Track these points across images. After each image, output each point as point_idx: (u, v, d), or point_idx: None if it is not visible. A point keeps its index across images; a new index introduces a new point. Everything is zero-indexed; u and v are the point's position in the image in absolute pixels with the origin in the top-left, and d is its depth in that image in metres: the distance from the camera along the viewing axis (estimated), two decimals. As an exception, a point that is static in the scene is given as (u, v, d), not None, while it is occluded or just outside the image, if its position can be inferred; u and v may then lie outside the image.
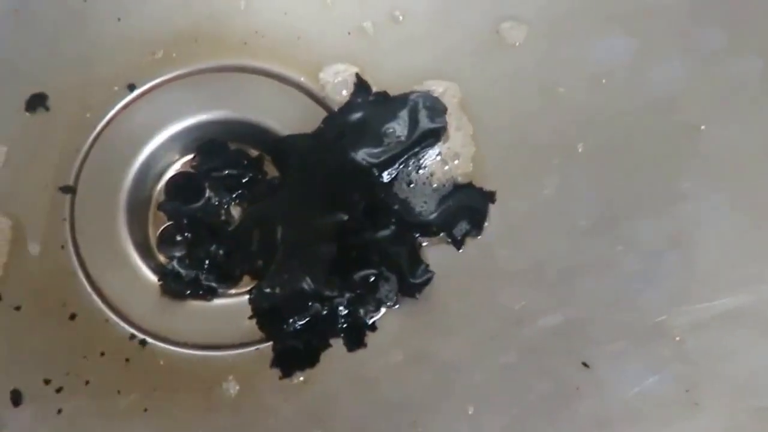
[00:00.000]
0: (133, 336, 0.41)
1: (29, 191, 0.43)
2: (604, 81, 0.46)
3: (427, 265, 0.41)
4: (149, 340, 0.41)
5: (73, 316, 0.41)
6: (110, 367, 0.40)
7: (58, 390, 0.40)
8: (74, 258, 0.42)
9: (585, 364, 0.40)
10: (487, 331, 0.41)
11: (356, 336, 0.41)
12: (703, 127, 0.45)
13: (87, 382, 0.41)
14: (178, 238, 0.44)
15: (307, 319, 0.41)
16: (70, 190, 0.43)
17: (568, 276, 0.41)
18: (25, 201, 0.43)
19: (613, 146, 0.45)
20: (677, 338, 0.42)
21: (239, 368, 0.40)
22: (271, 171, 0.45)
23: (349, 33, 0.45)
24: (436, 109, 0.44)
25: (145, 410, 0.40)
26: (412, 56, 0.45)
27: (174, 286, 0.42)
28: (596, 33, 0.46)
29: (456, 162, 0.44)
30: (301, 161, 0.44)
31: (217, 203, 0.44)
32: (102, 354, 0.42)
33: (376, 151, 0.43)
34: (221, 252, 0.43)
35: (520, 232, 0.42)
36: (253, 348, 0.40)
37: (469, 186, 0.43)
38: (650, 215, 0.44)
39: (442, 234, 0.42)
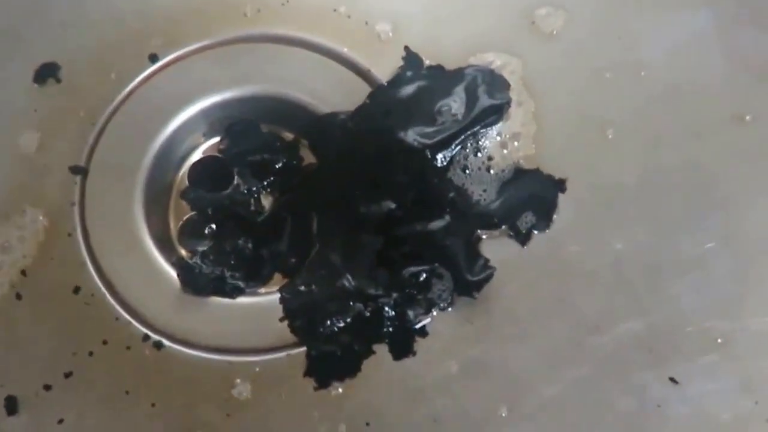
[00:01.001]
0: (147, 337, 0.36)
1: (35, 171, 0.38)
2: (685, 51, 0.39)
3: (487, 260, 0.36)
4: (165, 341, 0.36)
5: (79, 312, 0.36)
6: (119, 370, 0.35)
7: (58, 396, 0.34)
8: (83, 247, 0.37)
9: (673, 380, 0.35)
10: (557, 338, 0.35)
11: (404, 342, 0.35)
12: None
13: (91, 387, 0.35)
14: (202, 229, 0.39)
15: (347, 321, 0.36)
16: (81, 171, 0.39)
17: (652, 276, 0.36)
18: (30, 182, 0.38)
19: (702, 128, 0.39)
20: None
21: (267, 376, 0.35)
22: (308, 157, 0.40)
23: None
24: (498, 83, 0.39)
25: (157, 420, 0.34)
26: (468, 27, 0.40)
27: (195, 283, 0.37)
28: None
29: (517, 144, 0.39)
30: (342, 142, 0.39)
31: (246, 191, 0.40)
32: (110, 356, 0.36)
33: (428, 130, 0.38)
34: (249, 246, 0.38)
35: (594, 226, 0.37)
36: (283, 353, 0.35)
37: (535, 172, 0.38)
38: (751, 204, 0.37)
39: (504, 227, 0.37)
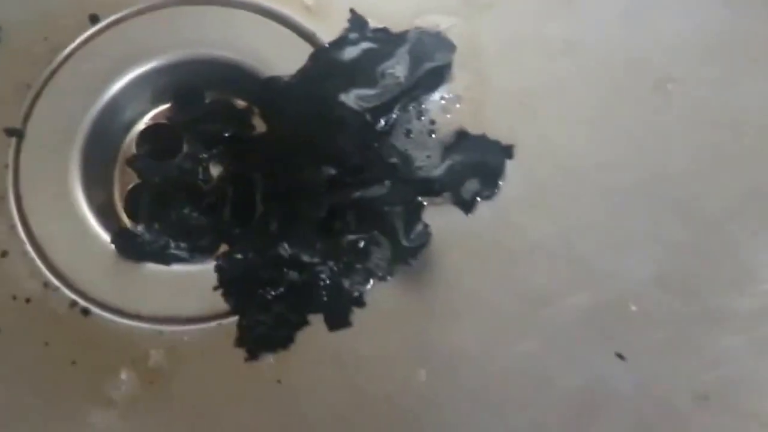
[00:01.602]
0: (74, 303, 0.34)
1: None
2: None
3: (426, 225, 0.34)
4: (93, 308, 0.34)
5: (5, 276, 0.34)
6: (41, 333, 0.33)
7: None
8: (15, 210, 0.35)
9: (620, 356, 0.33)
10: (502, 312, 0.33)
11: (340, 312, 0.33)
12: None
13: (10, 348, 0.33)
14: (148, 198, 0.38)
15: (282, 290, 0.34)
16: (16, 133, 0.37)
17: (603, 248, 0.34)
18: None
19: (663, 88, 0.36)
20: (738, 328, 0.33)
21: (196, 345, 0.33)
22: (261, 126, 0.38)
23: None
24: (443, 46, 0.37)
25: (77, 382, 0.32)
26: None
27: (135, 251, 0.35)
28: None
29: (461, 107, 0.36)
30: (285, 107, 0.37)
31: (194, 160, 0.38)
32: (34, 321, 0.34)
33: (370, 93, 0.36)
34: (195, 215, 0.36)
35: (543, 194, 0.35)
36: (214, 323, 0.33)
37: (481, 138, 0.36)
38: (706, 175, 0.35)
39: (447, 194, 0.35)
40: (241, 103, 0.38)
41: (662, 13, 0.38)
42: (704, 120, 0.36)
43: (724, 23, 0.37)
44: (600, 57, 0.37)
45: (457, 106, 0.36)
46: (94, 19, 0.38)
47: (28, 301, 0.34)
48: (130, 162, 0.38)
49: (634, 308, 0.34)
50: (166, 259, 0.35)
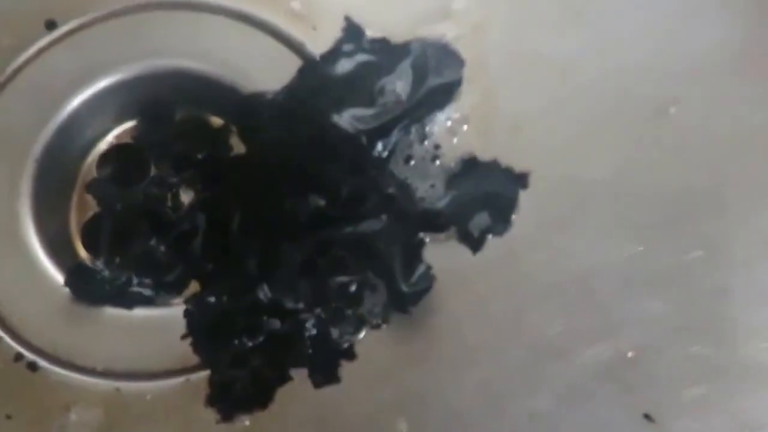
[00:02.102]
0: (20, 356, 0.30)
1: None
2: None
3: (429, 267, 0.31)
4: (41, 362, 0.30)
5: None
6: None
7: None
8: None
9: (648, 417, 0.30)
10: (512, 366, 0.30)
11: (327, 367, 0.31)
12: None
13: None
14: (109, 229, 0.34)
15: (260, 340, 0.31)
16: None
17: (626, 292, 0.31)
18: None
19: (697, 118, 0.33)
20: None
21: (160, 405, 0.30)
22: (238, 147, 0.35)
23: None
24: (450, 59, 0.33)
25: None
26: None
27: (93, 291, 0.32)
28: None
29: (469, 130, 0.33)
30: (268, 128, 0.34)
31: (162, 186, 0.35)
32: None
33: (367, 113, 0.33)
34: (163, 249, 0.33)
35: (559, 230, 0.32)
36: (182, 378, 0.30)
37: (492, 165, 0.32)
38: (742, 211, 0.32)
39: (452, 229, 0.32)
40: (216, 121, 0.35)
41: (679, 27, 0.34)
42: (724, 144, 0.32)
43: (734, 42, 0.33)
44: (616, 73, 0.33)
45: (465, 128, 0.33)
46: (50, 26, 0.34)
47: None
48: (89, 187, 0.35)
49: (661, 361, 0.31)
50: (127, 300, 0.32)
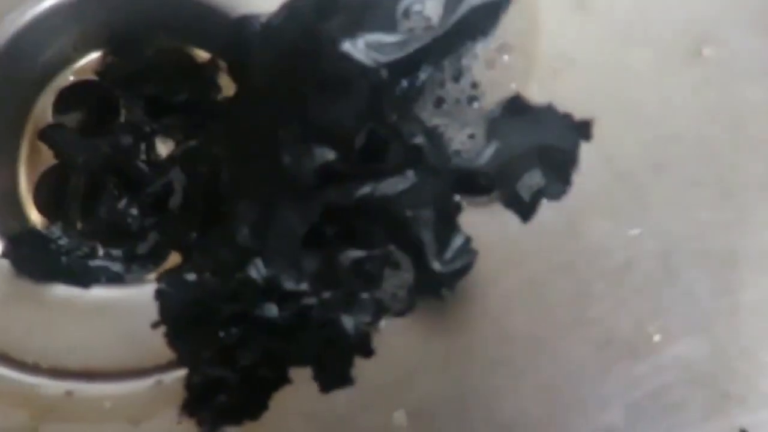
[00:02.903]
0: None
1: None
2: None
3: (468, 239, 0.26)
4: None
5: None
6: None
7: None
8: None
9: None
10: (576, 368, 0.26)
11: (337, 365, 0.26)
12: None
13: None
14: (69, 186, 0.31)
15: (252, 330, 0.26)
16: None
17: (720, 272, 0.26)
18: None
19: None
20: None
21: (124, 414, 0.25)
22: (229, 88, 0.31)
23: None
24: None
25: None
26: None
27: (43, 265, 0.28)
28: None
29: (513, 62, 0.28)
30: (262, 59, 0.28)
31: (135, 134, 0.31)
32: None
33: (387, 41, 0.27)
34: (135, 212, 0.30)
35: (631, 194, 0.27)
36: (152, 379, 0.26)
37: (546, 109, 0.27)
38: None
39: (497, 191, 0.27)
40: (200, 54, 0.32)
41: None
42: None
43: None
44: None
45: (509, 60, 0.28)
46: None
47: None
48: (44, 135, 0.31)
49: (765, 362, 0.26)
50: (86, 276, 0.28)
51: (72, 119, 0.32)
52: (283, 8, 0.28)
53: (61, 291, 0.26)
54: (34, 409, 0.25)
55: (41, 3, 0.29)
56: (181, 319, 0.26)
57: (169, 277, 0.26)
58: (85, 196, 0.31)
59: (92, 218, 0.30)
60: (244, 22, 0.28)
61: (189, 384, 0.25)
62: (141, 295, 0.26)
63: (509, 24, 0.28)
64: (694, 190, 0.27)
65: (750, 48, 0.28)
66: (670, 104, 0.28)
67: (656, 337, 0.26)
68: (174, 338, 0.26)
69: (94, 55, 0.32)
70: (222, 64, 0.31)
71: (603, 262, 0.26)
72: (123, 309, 0.26)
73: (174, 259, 0.29)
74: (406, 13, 0.27)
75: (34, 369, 0.25)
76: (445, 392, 0.25)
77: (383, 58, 0.27)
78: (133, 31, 0.31)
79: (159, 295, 0.26)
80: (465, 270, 0.26)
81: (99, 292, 0.27)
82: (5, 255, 0.27)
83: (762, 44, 0.28)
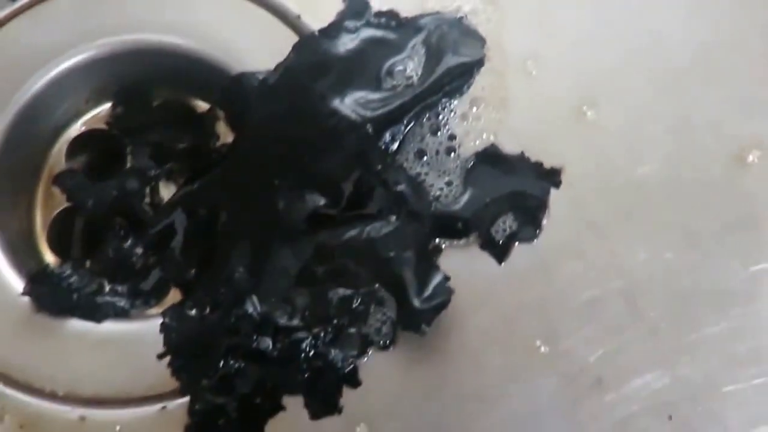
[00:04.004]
0: None
1: None
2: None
3: (446, 278, 0.29)
4: None
5: None
6: None
7: None
8: None
9: None
10: (542, 397, 0.28)
11: (327, 394, 0.28)
12: None
13: None
14: (80, 227, 0.34)
15: (249, 362, 0.28)
16: None
17: (679, 310, 0.28)
18: None
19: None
20: None
21: None
22: (227, 136, 0.33)
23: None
24: (468, 37, 0.31)
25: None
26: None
27: (56, 301, 0.30)
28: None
29: (489, 117, 0.30)
30: (259, 113, 0.31)
31: (140, 179, 0.33)
32: None
33: (373, 98, 0.30)
34: (140, 251, 0.31)
35: (599, 237, 0.29)
36: (157, 406, 0.28)
37: (518, 159, 0.30)
38: None
39: (473, 235, 0.29)
40: (201, 105, 0.34)
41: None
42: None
43: None
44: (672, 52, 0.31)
45: (485, 115, 0.30)
46: None
47: None
48: (57, 180, 0.33)
49: (724, 395, 0.28)
50: (96, 311, 0.30)
51: (83, 165, 0.34)
52: (279, 67, 0.31)
53: (76, 325, 0.29)
54: None
55: (57, 66, 0.32)
56: (183, 350, 0.28)
57: (173, 313, 0.29)
58: (93, 236, 0.33)
59: (100, 257, 0.31)
60: (243, 78, 0.31)
61: (191, 410, 0.27)
62: (147, 329, 0.29)
63: (479, 79, 0.30)
64: (659, 233, 0.29)
65: (708, 99, 0.31)
66: (636, 153, 0.30)
67: (621, 370, 0.28)
68: (177, 368, 0.28)
69: (104, 107, 0.34)
70: (220, 113, 0.33)
71: (571, 300, 0.28)
72: (131, 341, 0.29)
73: (174, 295, 0.31)
74: (390, 72, 0.30)
75: (51, 396, 0.28)
76: (424, 419, 0.27)
77: (368, 113, 0.30)
78: (139, 84, 0.34)
79: (164, 328, 0.28)
80: (442, 306, 0.28)
81: (109, 326, 0.29)
82: (26, 293, 0.29)
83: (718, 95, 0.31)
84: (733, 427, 0.27)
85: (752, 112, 0.30)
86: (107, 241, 0.31)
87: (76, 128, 0.34)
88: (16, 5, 0.32)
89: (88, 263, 0.31)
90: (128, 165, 0.33)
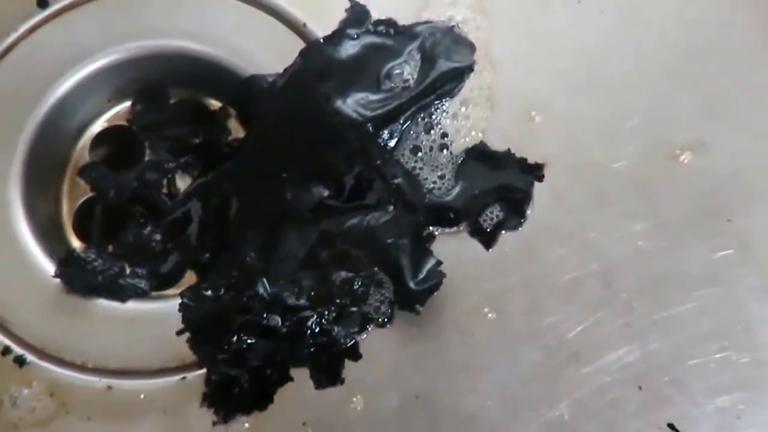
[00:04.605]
0: (8, 349, 0.30)
1: None
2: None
3: (439, 263, 0.31)
4: (30, 357, 0.30)
5: None
6: None
7: None
8: None
9: (673, 428, 0.29)
10: (525, 369, 0.30)
11: (330, 366, 0.30)
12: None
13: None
14: (102, 215, 0.35)
15: (260, 337, 0.31)
16: None
17: (651, 291, 0.31)
18: None
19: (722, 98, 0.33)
20: None
21: (155, 405, 0.30)
22: (237, 131, 0.35)
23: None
24: (459, 44, 0.33)
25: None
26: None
27: (83, 282, 0.32)
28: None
29: (479, 117, 0.33)
30: (268, 112, 0.33)
31: (158, 170, 0.35)
32: None
33: (373, 99, 0.33)
34: (158, 237, 0.33)
35: (578, 225, 0.32)
36: (177, 377, 0.30)
37: (504, 155, 0.32)
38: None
39: (463, 223, 0.32)
40: (214, 103, 0.36)
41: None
42: None
43: None
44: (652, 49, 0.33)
45: (473, 114, 0.33)
46: (42, 4, 0.35)
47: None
48: (82, 171, 0.35)
49: (689, 367, 0.30)
50: (120, 291, 0.32)
51: (105, 158, 0.36)
52: (287, 71, 0.33)
53: (103, 304, 0.31)
54: (82, 401, 0.30)
55: (82, 69, 0.34)
56: (200, 327, 0.31)
57: (191, 293, 0.31)
58: (115, 223, 0.34)
59: (121, 242, 0.33)
60: (254, 80, 0.33)
61: (208, 380, 0.30)
62: (168, 308, 0.31)
63: (468, 82, 0.33)
64: (632, 222, 0.32)
65: (678, 100, 0.33)
66: (611, 149, 0.33)
67: (596, 345, 0.30)
68: (195, 343, 0.31)
69: (125, 105, 0.36)
70: (231, 111, 0.35)
71: (553, 281, 0.31)
72: (153, 319, 0.31)
73: (190, 277, 0.33)
74: (388, 76, 0.33)
75: (82, 368, 0.30)
76: (418, 389, 0.30)
77: (368, 113, 0.32)
78: (157, 84, 0.35)
79: (182, 307, 0.31)
80: (435, 288, 0.31)
81: (133, 305, 0.31)
82: (57, 275, 0.31)
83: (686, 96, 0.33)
84: (697, 396, 0.30)
85: (712, 111, 0.33)
86: (128, 227, 0.33)
87: (99, 125, 0.36)
88: (46, 13, 0.35)
89: (110, 248, 0.33)
90: (147, 158, 0.35)
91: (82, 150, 0.35)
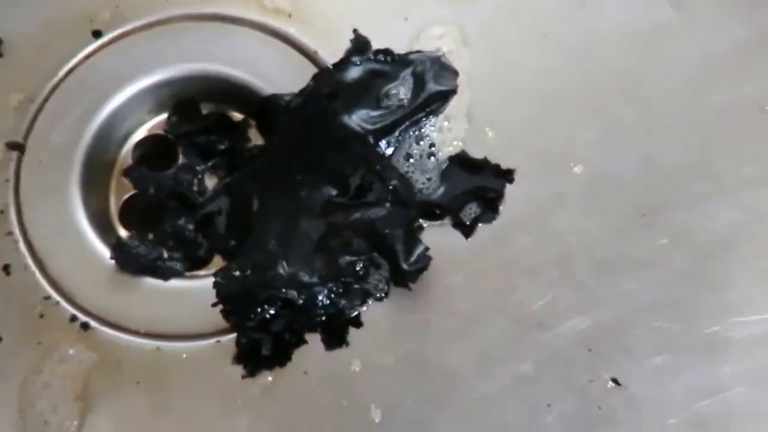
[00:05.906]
0: (74, 318, 0.36)
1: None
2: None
3: (426, 248, 0.36)
4: (92, 323, 0.36)
5: (8, 290, 0.36)
6: (46, 354, 0.35)
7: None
8: (16, 224, 0.37)
9: (616, 381, 0.34)
10: (498, 334, 0.35)
11: (337, 332, 0.35)
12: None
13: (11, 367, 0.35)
14: (144, 209, 0.39)
15: (280, 308, 0.36)
16: (18, 147, 0.39)
17: (600, 272, 0.36)
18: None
19: (664, 116, 0.38)
20: (732, 355, 0.35)
21: (194, 363, 0.35)
22: (257, 138, 0.40)
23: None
24: (446, 70, 0.39)
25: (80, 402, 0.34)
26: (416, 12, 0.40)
27: (132, 264, 0.37)
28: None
29: (461, 130, 0.38)
30: (285, 125, 0.38)
31: (190, 171, 0.40)
32: (39, 343, 0.35)
33: (373, 115, 0.38)
34: (190, 227, 0.38)
35: (542, 218, 0.37)
36: (213, 340, 0.35)
37: (481, 162, 0.37)
38: (705, 205, 0.37)
39: (447, 217, 0.37)
40: (237, 115, 0.40)
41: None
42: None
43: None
44: (610, 68, 0.38)
45: (456, 128, 0.38)
46: (96, 34, 0.40)
47: (29, 314, 0.36)
48: (127, 172, 0.39)
49: (630, 334, 0.36)
50: (161, 272, 0.37)
51: (146, 161, 0.40)
52: (302, 92, 0.39)
53: (150, 281, 0.36)
54: (136, 360, 0.35)
55: (128, 88, 0.39)
56: (231, 300, 0.35)
57: (222, 273, 0.36)
58: (154, 215, 0.38)
59: (160, 231, 0.38)
60: (273, 98, 0.38)
61: (238, 343, 0.34)
62: (203, 285, 0.36)
63: (453, 101, 0.38)
64: (587, 216, 0.37)
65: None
66: (571, 156, 0.38)
67: (555, 315, 0.35)
68: (227, 313, 0.35)
69: (162, 117, 0.40)
70: (252, 122, 0.40)
71: (521, 264, 0.36)
72: (192, 293, 0.36)
73: (217, 261, 0.37)
74: (386, 95, 0.38)
75: (135, 332, 0.35)
76: (409, 350, 0.35)
77: (369, 126, 0.38)
78: (190, 100, 0.40)
79: (216, 284, 0.36)
80: (423, 269, 0.35)
81: (175, 282, 0.37)
82: (112, 257, 0.37)
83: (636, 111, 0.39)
84: (637, 356, 0.34)
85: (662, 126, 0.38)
86: (165, 219, 0.38)
87: (141, 133, 0.40)
88: (99, 42, 0.40)
89: (150, 236, 0.38)
90: (180, 161, 0.39)
91: (127, 154, 0.40)
